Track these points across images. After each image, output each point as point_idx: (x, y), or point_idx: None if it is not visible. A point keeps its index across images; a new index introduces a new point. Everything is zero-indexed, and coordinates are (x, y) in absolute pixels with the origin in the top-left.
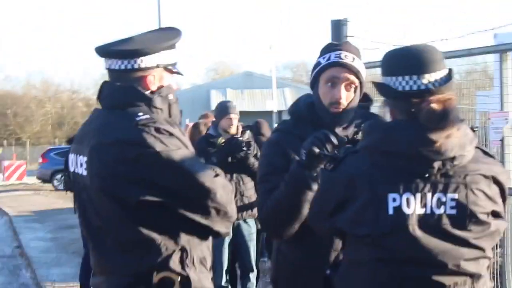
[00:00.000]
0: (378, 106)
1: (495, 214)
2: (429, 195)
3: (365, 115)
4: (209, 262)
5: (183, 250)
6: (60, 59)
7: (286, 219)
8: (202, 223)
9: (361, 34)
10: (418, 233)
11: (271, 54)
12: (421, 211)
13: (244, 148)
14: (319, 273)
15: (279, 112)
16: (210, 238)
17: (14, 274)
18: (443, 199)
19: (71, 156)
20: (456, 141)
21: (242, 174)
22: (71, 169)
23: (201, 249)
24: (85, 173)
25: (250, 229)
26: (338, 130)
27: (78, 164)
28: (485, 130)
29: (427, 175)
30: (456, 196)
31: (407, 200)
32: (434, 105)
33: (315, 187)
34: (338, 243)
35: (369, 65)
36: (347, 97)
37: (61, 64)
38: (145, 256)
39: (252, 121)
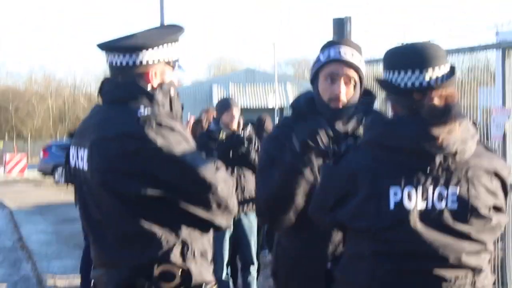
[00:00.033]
0: (379, 102)
1: (497, 209)
2: (430, 189)
3: (367, 111)
4: (210, 255)
5: (184, 243)
6: (61, 55)
7: (281, 208)
8: (203, 217)
9: (361, 33)
10: (419, 227)
11: (273, 51)
12: (422, 205)
13: (246, 144)
14: (318, 266)
15: (281, 109)
16: (211, 231)
17: (15, 266)
18: (445, 194)
19: (72, 150)
20: (458, 136)
21: (243, 168)
22: (72, 163)
23: (202, 242)
24: (85, 167)
25: (251, 222)
26: (338, 126)
27: (79, 158)
28: (487, 126)
29: (428, 170)
30: (457, 190)
31: (409, 194)
32: (436, 101)
33: (307, 173)
34: (336, 236)
35: (371, 62)
36: (346, 93)
37: (63, 60)
38: (146, 249)
39: (253, 117)
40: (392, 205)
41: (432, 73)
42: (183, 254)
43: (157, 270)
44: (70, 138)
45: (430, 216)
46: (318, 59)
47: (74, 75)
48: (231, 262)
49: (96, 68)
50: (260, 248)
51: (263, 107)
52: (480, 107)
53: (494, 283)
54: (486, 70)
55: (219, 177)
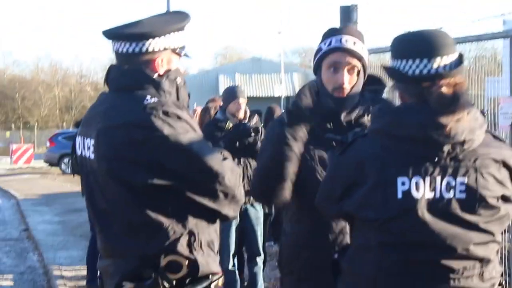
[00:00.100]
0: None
1: (505, 199)
2: (438, 179)
3: (374, 99)
4: (216, 246)
5: (191, 233)
6: (68, 44)
7: (270, 181)
8: (210, 206)
9: (368, 21)
10: (427, 217)
11: (280, 39)
12: (430, 195)
13: (252, 134)
14: (320, 254)
15: (287, 98)
16: (218, 221)
17: (22, 257)
18: (453, 183)
19: (78, 139)
20: (466, 125)
21: (250, 158)
22: (78, 152)
23: (209, 232)
24: (92, 156)
25: (257, 213)
26: (343, 115)
27: (85, 147)
28: (494, 115)
29: (436, 159)
30: (465, 180)
31: (416, 184)
32: (445, 89)
33: (294, 145)
34: (337, 226)
35: (378, 50)
36: (350, 81)
37: (69, 49)
38: (153, 240)
39: (260, 106)
40: (400, 194)
41: (441, 61)
42: (190, 245)
43: (164, 261)
44: (76, 127)
45: (438, 206)
46: (320, 49)
47: (81, 63)
48: (238, 253)
49: (102, 57)
50: (266, 238)
51: (269, 96)
52: (487, 96)
53: (501, 275)
54: (493, 59)
55: (226, 166)
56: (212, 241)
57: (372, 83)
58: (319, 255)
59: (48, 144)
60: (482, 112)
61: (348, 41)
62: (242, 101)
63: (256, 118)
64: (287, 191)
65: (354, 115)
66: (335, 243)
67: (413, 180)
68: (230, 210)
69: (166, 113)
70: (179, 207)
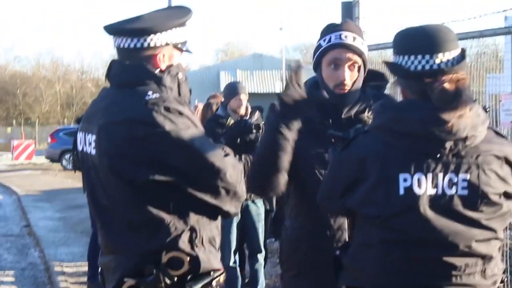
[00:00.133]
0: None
1: (507, 195)
2: (440, 175)
3: (376, 95)
4: (218, 242)
5: (192, 230)
6: (69, 40)
7: (264, 170)
8: (212, 203)
9: (370, 17)
10: (429, 213)
11: (281, 36)
12: (432, 191)
13: (254, 131)
14: (318, 249)
15: None
16: (219, 218)
17: (23, 253)
18: (455, 180)
19: (80, 135)
20: (468, 121)
21: (251, 155)
22: (80, 147)
23: (210, 229)
24: (93, 152)
25: (259, 209)
26: (345, 111)
27: (87, 142)
28: (495, 112)
29: (438, 156)
30: (468, 176)
31: (418, 180)
32: (447, 85)
33: (287, 133)
34: (337, 221)
35: (379, 47)
36: (351, 78)
37: (71, 45)
38: (154, 236)
39: (261, 102)
40: (402, 191)
41: (443, 57)
42: (191, 241)
43: (165, 257)
44: (77, 123)
45: (440, 203)
46: (319, 45)
47: (82, 60)
48: (239, 250)
49: (104, 53)
50: (267, 235)
51: (270, 92)
52: (487, 93)
53: (504, 272)
54: (494, 56)
55: (228, 163)
56: (214, 237)
57: (375, 79)
58: (317, 250)
59: (49, 140)
60: (485, 109)
61: (348, 37)
62: (244, 98)
63: (257, 114)
64: (281, 181)
65: (354, 111)
66: (333, 239)
67: (415, 177)
68: (232, 207)
69: (167, 109)
70: (180, 204)
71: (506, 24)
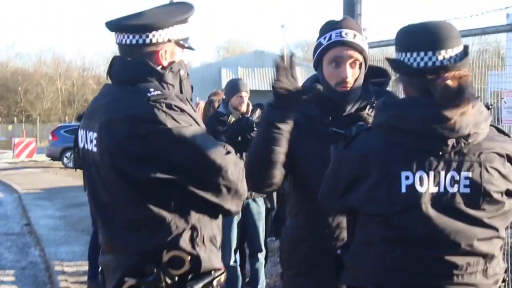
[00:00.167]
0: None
1: (509, 193)
2: (442, 173)
3: (379, 92)
4: (219, 241)
5: (193, 228)
6: (70, 40)
7: (258, 163)
8: (213, 201)
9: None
10: (431, 212)
11: (283, 33)
12: (434, 189)
13: (255, 128)
14: (317, 248)
15: None
16: (220, 216)
17: (23, 252)
18: (457, 178)
19: (81, 132)
20: (471, 119)
21: None
22: (81, 145)
23: (211, 227)
24: (95, 149)
25: (259, 208)
26: (347, 108)
27: (88, 140)
28: (497, 109)
29: (441, 153)
30: (470, 174)
31: (420, 178)
32: (449, 82)
33: (281, 125)
34: (336, 219)
35: (381, 44)
36: (353, 75)
37: (72, 42)
38: (155, 235)
39: (262, 100)
40: (403, 189)
41: (446, 54)
42: (192, 240)
43: (166, 256)
44: (78, 121)
45: (442, 201)
46: (319, 43)
47: (83, 57)
48: (239, 248)
49: (105, 50)
50: (267, 233)
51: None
52: (489, 90)
53: (505, 271)
54: (496, 53)
55: (229, 160)
56: (215, 236)
57: (376, 75)
58: (316, 249)
59: (50, 138)
60: (487, 106)
61: (349, 34)
62: (245, 95)
63: (258, 112)
64: (277, 175)
65: (354, 108)
66: (332, 238)
67: (417, 175)
68: (233, 205)
69: (169, 106)
70: (181, 202)
71: (508, 21)
